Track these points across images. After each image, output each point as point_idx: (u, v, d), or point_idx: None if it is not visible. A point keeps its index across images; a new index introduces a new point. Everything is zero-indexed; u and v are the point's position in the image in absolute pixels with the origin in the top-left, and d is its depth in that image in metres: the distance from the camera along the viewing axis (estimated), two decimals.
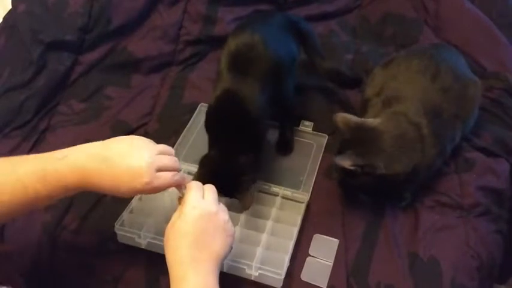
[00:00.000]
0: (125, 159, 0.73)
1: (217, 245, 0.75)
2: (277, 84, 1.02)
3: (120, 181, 0.72)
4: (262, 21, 1.09)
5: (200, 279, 0.71)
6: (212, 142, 0.97)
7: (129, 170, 0.72)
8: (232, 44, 1.01)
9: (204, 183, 0.81)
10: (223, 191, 0.88)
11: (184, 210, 0.75)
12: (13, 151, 1.08)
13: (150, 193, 0.77)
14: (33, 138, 1.11)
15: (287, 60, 1.05)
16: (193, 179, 0.87)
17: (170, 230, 0.75)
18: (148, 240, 0.92)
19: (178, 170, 0.79)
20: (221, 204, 0.79)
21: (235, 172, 0.90)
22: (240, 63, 0.98)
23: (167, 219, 0.94)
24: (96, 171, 0.72)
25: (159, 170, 0.75)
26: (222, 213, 0.77)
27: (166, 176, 0.75)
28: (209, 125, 0.99)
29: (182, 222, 0.74)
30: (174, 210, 0.90)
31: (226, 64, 0.99)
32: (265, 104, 0.98)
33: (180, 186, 0.79)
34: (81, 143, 1.09)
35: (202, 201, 0.76)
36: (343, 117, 0.96)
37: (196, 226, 0.73)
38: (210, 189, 0.79)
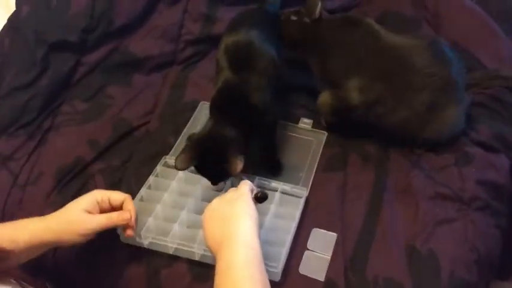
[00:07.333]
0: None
1: None
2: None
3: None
4: (253, 19, 1.11)
5: None
6: (209, 122, 0.99)
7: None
8: (229, 42, 1.03)
9: (190, 155, 0.92)
10: (211, 162, 0.93)
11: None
12: (18, 150, 1.11)
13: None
14: (38, 137, 1.14)
15: (278, 56, 1.08)
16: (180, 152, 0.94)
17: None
18: (149, 240, 0.93)
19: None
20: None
21: (221, 142, 0.93)
22: (241, 59, 1.01)
23: (168, 220, 0.96)
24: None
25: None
26: None
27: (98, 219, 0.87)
28: (211, 111, 1.01)
29: None
30: (175, 210, 0.95)
31: (226, 62, 1.01)
32: (269, 96, 1.01)
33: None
34: (84, 142, 1.13)
35: None
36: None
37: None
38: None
